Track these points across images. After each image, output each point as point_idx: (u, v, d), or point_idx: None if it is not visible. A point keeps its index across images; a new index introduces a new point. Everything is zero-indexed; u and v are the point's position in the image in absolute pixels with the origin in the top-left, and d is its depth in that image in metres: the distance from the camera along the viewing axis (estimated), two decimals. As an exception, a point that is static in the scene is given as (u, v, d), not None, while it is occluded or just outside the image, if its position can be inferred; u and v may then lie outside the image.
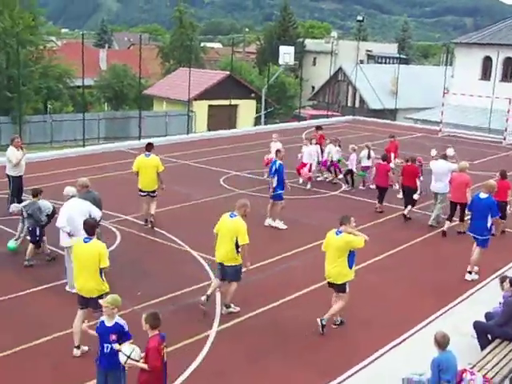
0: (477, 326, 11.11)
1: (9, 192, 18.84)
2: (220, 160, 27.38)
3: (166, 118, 54.14)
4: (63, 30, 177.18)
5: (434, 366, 9.05)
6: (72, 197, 13.49)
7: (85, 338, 10.44)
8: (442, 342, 9.10)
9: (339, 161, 23.70)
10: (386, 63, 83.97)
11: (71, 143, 44.36)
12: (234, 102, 44.39)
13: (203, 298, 12.51)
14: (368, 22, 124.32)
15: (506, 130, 35.71)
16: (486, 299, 13.13)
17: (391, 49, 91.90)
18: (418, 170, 19.64)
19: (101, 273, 10.65)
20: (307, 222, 18.89)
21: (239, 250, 12.34)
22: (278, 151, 18.92)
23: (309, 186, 22.77)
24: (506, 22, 51.72)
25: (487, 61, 49.46)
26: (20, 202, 17.52)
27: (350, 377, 10.49)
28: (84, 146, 30.58)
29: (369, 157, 23.02)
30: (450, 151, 21.78)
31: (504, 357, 10.25)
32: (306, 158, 22.79)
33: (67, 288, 13.33)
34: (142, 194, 17.84)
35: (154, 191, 17.75)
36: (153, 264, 15.20)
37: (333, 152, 23.42)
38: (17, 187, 18.74)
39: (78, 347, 10.83)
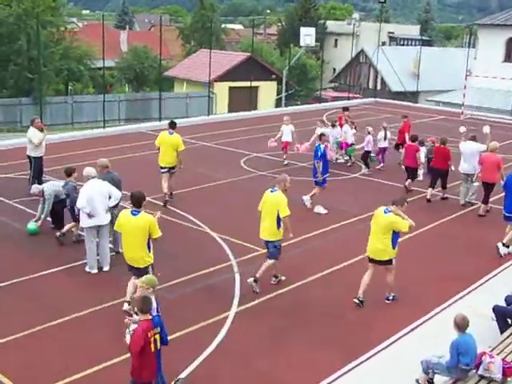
0: (496, 309, 11.05)
1: (30, 173, 18.92)
2: (241, 141, 27.34)
3: (187, 99, 54.09)
4: (84, 12, 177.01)
5: (453, 348, 9.00)
6: (92, 178, 13.53)
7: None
8: (461, 325, 9.05)
9: (352, 149, 23.51)
10: (408, 45, 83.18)
11: (92, 125, 44.47)
12: (254, 83, 44.15)
13: (255, 288, 12.80)
14: (390, 4, 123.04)
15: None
16: (507, 283, 13.03)
17: (413, 31, 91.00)
18: (450, 153, 19.48)
19: (148, 245, 11.14)
20: (328, 204, 18.80)
21: (280, 225, 12.60)
22: (322, 135, 18.42)
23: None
24: (530, 3, 51.09)
25: (511, 42, 48.86)
26: (40, 183, 17.63)
27: (370, 358, 10.49)
28: (104, 127, 30.67)
29: (385, 138, 23.11)
30: (486, 128, 21.48)
31: (524, 340, 10.21)
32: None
33: (87, 269, 13.43)
34: (162, 170, 18.29)
35: (173, 167, 18.27)
36: (172, 245, 15.19)
37: (349, 134, 23.31)
38: (38, 168, 18.87)
39: (129, 303, 11.17)
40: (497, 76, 39.93)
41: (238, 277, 13.44)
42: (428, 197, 19.52)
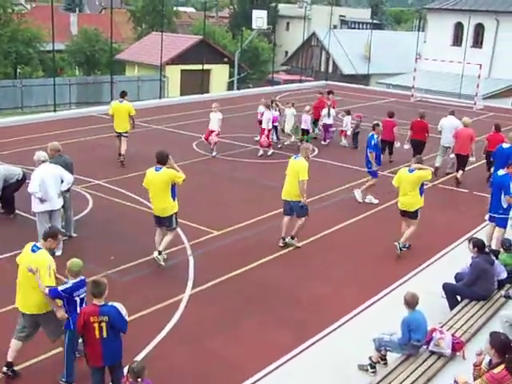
0: (446, 286, 11.32)
1: None
2: (193, 124, 27.24)
3: (139, 82, 53.58)
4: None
5: (403, 325, 9.21)
6: (43, 162, 13.36)
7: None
8: (411, 302, 9.25)
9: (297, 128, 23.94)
10: (359, 29, 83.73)
11: (42, 109, 43.80)
12: (206, 66, 43.98)
13: (281, 242, 14.34)
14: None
15: (476, 95, 35.98)
16: (455, 260, 13.30)
17: (364, 14, 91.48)
18: (428, 125, 21.33)
19: (173, 195, 12.76)
20: (275, 185, 18.92)
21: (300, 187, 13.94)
22: (376, 125, 17.88)
23: (270, 152, 22.64)
24: (477, -12, 51.88)
25: (459, 27, 49.63)
26: None
27: (322, 338, 10.62)
28: (55, 111, 30.24)
29: (329, 115, 24.11)
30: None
31: (472, 316, 10.50)
32: (265, 123, 22.46)
33: (40, 253, 13.29)
34: (116, 134, 20.44)
35: (126, 132, 20.41)
36: (125, 228, 15.18)
37: (288, 116, 23.59)
38: None
39: (160, 253, 12.85)
40: (445, 59, 40.55)
41: (191, 259, 13.47)
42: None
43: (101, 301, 8.17)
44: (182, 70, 54.30)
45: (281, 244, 14.33)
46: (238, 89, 42.73)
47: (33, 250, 9.25)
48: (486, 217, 14.88)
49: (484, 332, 10.14)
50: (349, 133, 24.42)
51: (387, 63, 63.28)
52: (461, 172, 19.86)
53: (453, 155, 20.59)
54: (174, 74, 54.02)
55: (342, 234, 15.36)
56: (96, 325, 8.08)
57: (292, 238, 14.41)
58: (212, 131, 21.90)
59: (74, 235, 14.45)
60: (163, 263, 12.91)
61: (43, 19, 52.28)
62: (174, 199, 12.89)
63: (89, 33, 64.38)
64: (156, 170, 12.88)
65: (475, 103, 35.34)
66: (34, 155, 13.62)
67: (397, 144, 22.01)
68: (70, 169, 13.89)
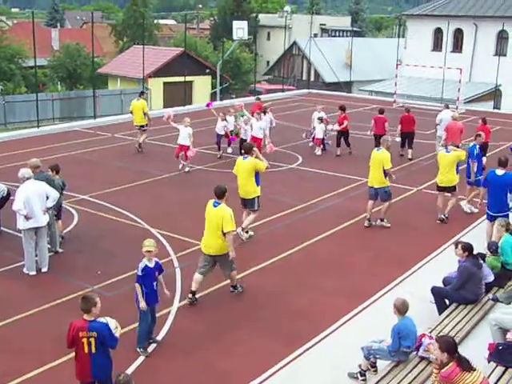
0: (434, 290, 11.32)
1: None
2: (177, 136, 27.06)
3: (122, 96, 53.56)
4: (13, 10, 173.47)
5: (394, 333, 9.18)
6: (28, 179, 13.28)
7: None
8: (401, 309, 9.22)
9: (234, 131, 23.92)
10: (339, 36, 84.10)
11: (26, 124, 43.60)
12: (189, 78, 44.02)
13: (366, 223, 16.39)
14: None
15: (458, 99, 36.20)
16: (443, 264, 13.32)
17: (344, 22, 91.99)
18: (414, 118, 24.32)
19: (257, 180, 14.78)
20: (264, 195, 18.93)
21: (386, 175, 16.05)
22: (478, 135, 17.78)
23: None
24: (455, -6, 52.40)
25: (438, 32, 50.03)
26: None
27: (313, 346, 10.60)
28: (38, 126, 30.12)
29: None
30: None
31: (460, 320, 10.50)
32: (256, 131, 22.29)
33: (25, 270, 13.20)
34: (136, 127, 24.44)
35: (142, 125, 24.30)
36: (111, 242, 15.12)
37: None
38: None
39: (243, 229, 14.77)
40: (426, 65, 40.81)
41: (178, 272, 13.43)
42: (402, 153, 24.18)
43: (90, 316, 8.12)
44: (164, 83, 54.36)
45: (366, 224, 16.38)
46: (221, 99, 42.71)
47: (214, 206, 11.92)
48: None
49: (473, 336, 10.19)
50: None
51: (368, 70, 63.68)
52: None
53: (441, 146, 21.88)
54: (156, 86, 54.07)
55: (329, 242, 15.36)
56: (85, 340, 8.04)
57: (382, 220, 16.48)
58: (183, 146, 21.49)
59: (60, 250, 14.38)
60: (244, 239, 14.68)
61: (25, 35, 52.32)
62: (257, 184, 14.93)
63: (70, 48, 64.35)
64: (244, 159, 14.91)
65: (457, 107, 35.49)
66: (18, 172, 13.57)
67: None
68: (52, 184, 13.80)
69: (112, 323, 8.33)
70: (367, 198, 16.62)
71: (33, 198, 12.97)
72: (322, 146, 24.47)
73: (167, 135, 26.87)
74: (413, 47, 50.10)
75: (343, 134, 24.31)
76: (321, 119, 24.44)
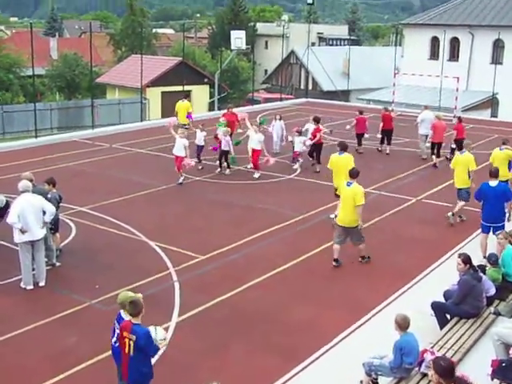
0: (435, 305, 11.21)
1: None
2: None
3: (120, 105, 53.52)
4: (12, 19, 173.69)
5: (396, 349, 9.03)
6: (23, 192, 13.15)
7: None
8: (402, 325, 9.08)
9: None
10: (337, 45, 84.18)
11: (24, 134, 43.57)
12: (187, 87, 43.98)
13: (450, 214, 17.47)
14: (318, 5, 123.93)
15: (455, 107, 36.23)
16: (443, 277, 13.23)
17: (342, 31, 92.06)
18: (392, 117, 26.78)
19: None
20: (262, 207, 18.88)
21: (470, 176, 16.94)
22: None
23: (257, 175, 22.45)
24: (451, 3, 52.64)
25: (435, 41, 50.14)
26: None
27: (312, 362, 10.48)
28: (36, 136, 30.05)
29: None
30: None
31: (462, 335, 10.40)
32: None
33: (22, 285, 13.09)
34: (180, 125, 25.48)
35: (184, 124, 26.01)
36: (109, 256, 15.01)
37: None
38: None
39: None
40: (423, 73, 40.85)
41: (177, 285, 13.31)
42: (380, 149, 26.81)
43: (137, 320, 8.30)
44: (162, 92, 54.33)
45: (451, 221, 17.39)
46: (219, 109, 42.65)
47: (348, 185, 14.13)
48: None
49: (475, 351, 10.09)
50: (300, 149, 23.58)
51: (366, 78, 63.69)
52: (438, 158, 24.34)
53: (428, 144, 24.79)
54: (154, 96, 54.05)
55: (326, 255, 15.21)
56: (126, 341, 8.27)
57: (460, 216, 17.60)
58: (178, 157, 21.21)
59: (58, 264, 14.27)
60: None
61: (23, 44, 52.22)
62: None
63: (69, 57, 64.34)
64: (339, 154, 16.68)
65: (454, 116, 35.39)
66: (15, 183, 13.50)
67: (367, 135, 26.71)
68: (45, 198, 13.64)
69: (160, 333, 8.49)
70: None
71: (27, 211, 12.83)
72: (300, 160, 23.67)
73: (164, 145, 26.85)
74: (410, 56, 50.21)
75: (316, 146, 23.11)
76: (299, 132, 23.72)
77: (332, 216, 16.44)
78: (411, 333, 9.18)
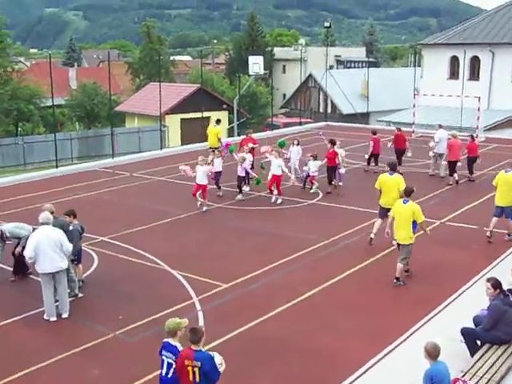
0: (465, 331, 10.91)
1: None
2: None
3: (139, 133, 53.80)
4: (32, 50, 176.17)
5: (426, 379, 8.77)
6: (42, 224, 13.07)
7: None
8: (432, 353, 8.83)
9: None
10: (355, 67, 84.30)
11: (45, 165, 43.86)
12: (206, 114, 44.12)
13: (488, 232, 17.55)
14: (335, 27, 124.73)
15: (477, 127, 35.91)
16: (472, 302, 12.96)
17: (359, 53, 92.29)
18: (405, 136, 27.44)
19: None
20: (284, 233, 18.72)
21: None
22: None
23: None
24: (470, 21, 52.27)
25: (454, 60, 49.78)
26: None
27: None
28: (57, 166, 30.18)
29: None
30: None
31: (494, 362, 10.08)
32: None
33: (45, 316, 13.01)
34: (211, 149, 26.20)
35: (216, 148, 26.76)
36: (132, 285, 14.89)
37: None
38: None
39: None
40: (443, 93, 40.60)
41: (201, 315, 13.16)
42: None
43: (197, 347, 8.38)
44: (181, 119, 54.54)
45: (488, 235, 17.52)
46: (239, 134, 42.68)
47: (404, 203, 14.46)
48: None
49: (509, 379, 9.80)
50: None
51: (385, 100, 63.51)
52: (456, 175, 24.48)
53: (445, 162, 25.05)
54: (173, 123, 54.27)
55: (349, 282, 15.00)
56: (190, 368, 8.31)
57: (509, 235, 17.62)
58: (200, 185, 21.09)
59: (80, 295, 14.18)
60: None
61: (42, 75, 52.82)
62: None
63: (88, 86, 64.90)
64: (390, 175, 16.99)
65: (477, 136, 35.18)
66: (37, 214, 13.46)
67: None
68: (66, 230, 13.58)
69: (216, 358, 8.48)
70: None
71: (43, 244, 12.73)
72: (316, 184, 23.57)
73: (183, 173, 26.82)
74: (429, 76, 49.89)
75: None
76: (315, 156, 23.51)
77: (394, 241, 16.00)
78: (442, 361, 8.92)
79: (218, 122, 29.56)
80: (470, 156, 24.79)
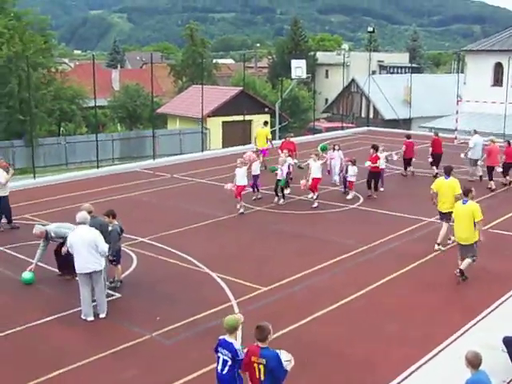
0: (507, 341, 10.69)
1: None
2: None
3: (181, 135, 54.04)
4: (76, 52, 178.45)
5: (467, 388, 8.62)
6: (79, 223, 13.13)
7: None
8: (474, 362, 8.62)
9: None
10: (398, 73, 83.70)
11: (86, 165, 44.34)
12: (247, 117, 44.12)
13: None
14: (378, 33, 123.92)
15: (521, 134, 35.43)
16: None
17: (402, 58, 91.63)
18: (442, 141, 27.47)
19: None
20: (325, 236, 18.58)
21: None
22: None
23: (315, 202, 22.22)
24: (514, 28, 51.69)
25: (498, 67, 49.15)
26: (10, 221, 19.25)
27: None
28: (98, 167, 30.43)
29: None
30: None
31: (537, 374, 9.87)
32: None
33: (82, 316, 13.04)
34: (256, 149, 27.92)
35: (267, 149, 28.39)
36: (171, 287, 14.88)
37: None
38: (7, 207, 19.47)
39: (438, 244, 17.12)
40: (487, 100, 40.08)
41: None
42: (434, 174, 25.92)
43: (264, 344, 8.43)
44: (223, 122, 54.65)
45: None
46: (280, 138, 42.59)
47: (463, 203, 14.90)
48: None
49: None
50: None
51: (428, 106, 62.91)
52: (492, 182, 24.58)
53: (481, 162, 25.72)
54: (215, 125, 54.39)
55: (392, 286, 14.83)
56: (256, 365, 8.40)
57: None
58: (242, 187, 21.25)
59: (118, 295, 14.22)
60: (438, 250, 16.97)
61: (86, 76, 53.42)
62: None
63: (130, 88, 65.44)
64: (445, 179, 17.29)
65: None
66: (77, 217, 13.50)
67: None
68: (105, 231, 13.63)
69: (283, 355, 8.50)
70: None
71: (77, 244, 12.81)
72: (353, 192, 23.39)
73: (225, 176, 26.82)
74: (472, 83, 49.28)
75: (374, 175, 23.32)
76: (354, 162, 23.28)
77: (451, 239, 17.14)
78: (483, 370, 8.71)
79: (266, 123, 30.48)
80: (507, 162, 25.00)
